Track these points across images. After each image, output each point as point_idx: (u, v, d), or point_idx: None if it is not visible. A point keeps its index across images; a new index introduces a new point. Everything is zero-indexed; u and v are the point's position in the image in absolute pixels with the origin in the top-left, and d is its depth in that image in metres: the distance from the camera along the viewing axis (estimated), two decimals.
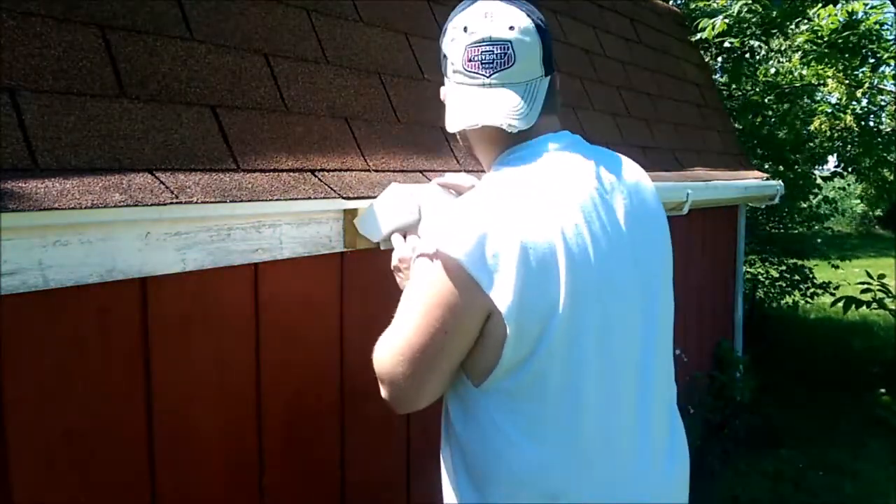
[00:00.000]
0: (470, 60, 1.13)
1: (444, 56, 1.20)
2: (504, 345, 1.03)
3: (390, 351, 1.12)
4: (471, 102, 1.14)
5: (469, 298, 1.02)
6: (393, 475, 1.87)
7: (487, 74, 1.13)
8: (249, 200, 1.34)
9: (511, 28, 1.13)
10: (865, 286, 5.17)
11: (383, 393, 1.16)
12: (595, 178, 1.13)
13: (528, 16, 1.15)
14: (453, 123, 1.16)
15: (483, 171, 1.27)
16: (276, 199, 1.40)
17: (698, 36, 4.71)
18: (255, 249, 1.39)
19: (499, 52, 1.12)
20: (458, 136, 1.28)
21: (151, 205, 1.18)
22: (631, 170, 1.22)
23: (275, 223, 1.42)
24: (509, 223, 1.02)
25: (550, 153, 1.14)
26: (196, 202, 1.25)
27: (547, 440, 1.07)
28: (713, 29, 4.63)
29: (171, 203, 1.21)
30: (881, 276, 5.29)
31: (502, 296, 1.00)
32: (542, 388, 1.06)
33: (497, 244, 1.01)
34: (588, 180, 1.12)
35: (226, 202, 1.30)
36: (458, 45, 1.15)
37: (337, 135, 1.70)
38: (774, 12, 4.82)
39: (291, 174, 1.51)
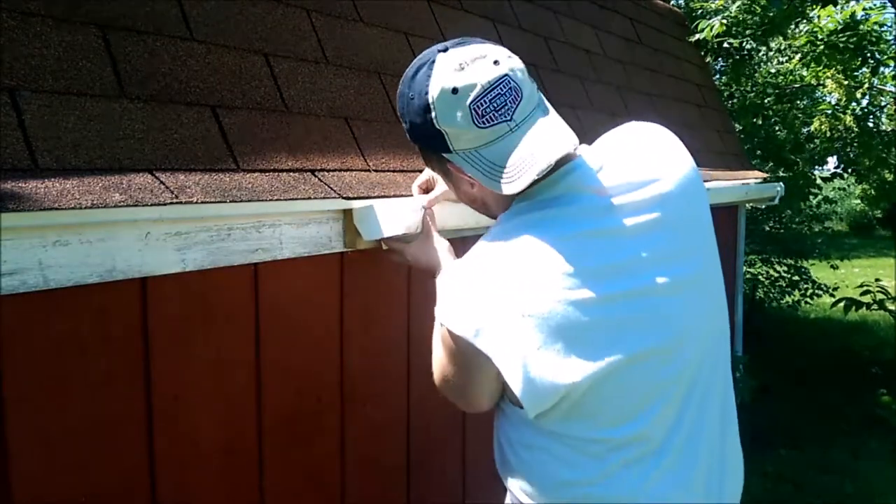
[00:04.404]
0: (482, 116, 1.01)
1: (443, 133, 1.05)
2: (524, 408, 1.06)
3: (434, 369, 1.21)
4: (516, 151, 1.02)
5: (482, 365, 1.05)
6: (393, 475, 1.87)
7: (508, 117, 1.01)
8: (249, 200, 1.34)
9: (496, 62, 1.02)
10: (865, 288, 5.18)
11: None
12: (611, 214, 1.05)
13: (483, 43, 1.06)
14: (516, 183, 1.02)
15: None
16: (276, 199, 1.40)
17: (697, 37, 4.71)
18: (255, 249, 1.39)
19: (504, 90, 1.01)
20: (457, 187, 1.21)
21: (151, 205, 1.18)
22: (644, 164, 1.14)
23: (275, 223, 1.42)
24: (512, 296, 0.99)
25: (561, 196, 1.06)
26: (196, 202, 1.25)
27: (584, 468, 1.09)
28: (711, 30, 4.63)
29: (171, 203, 1.21)
30: (878, 280, 5.29)
31: (510, 370, 1.01)
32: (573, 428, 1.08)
33: (499, 319, 0.99)
34: (604, 218, 1.05)
35: (226, 202, 1.30)
36: (459, 109, 1.02)
37: (337, 135, 1.70)
38: (772, 13, 4.82)
39: (291, 174, 1.51)
